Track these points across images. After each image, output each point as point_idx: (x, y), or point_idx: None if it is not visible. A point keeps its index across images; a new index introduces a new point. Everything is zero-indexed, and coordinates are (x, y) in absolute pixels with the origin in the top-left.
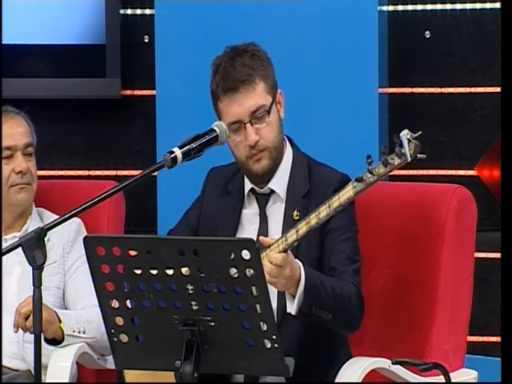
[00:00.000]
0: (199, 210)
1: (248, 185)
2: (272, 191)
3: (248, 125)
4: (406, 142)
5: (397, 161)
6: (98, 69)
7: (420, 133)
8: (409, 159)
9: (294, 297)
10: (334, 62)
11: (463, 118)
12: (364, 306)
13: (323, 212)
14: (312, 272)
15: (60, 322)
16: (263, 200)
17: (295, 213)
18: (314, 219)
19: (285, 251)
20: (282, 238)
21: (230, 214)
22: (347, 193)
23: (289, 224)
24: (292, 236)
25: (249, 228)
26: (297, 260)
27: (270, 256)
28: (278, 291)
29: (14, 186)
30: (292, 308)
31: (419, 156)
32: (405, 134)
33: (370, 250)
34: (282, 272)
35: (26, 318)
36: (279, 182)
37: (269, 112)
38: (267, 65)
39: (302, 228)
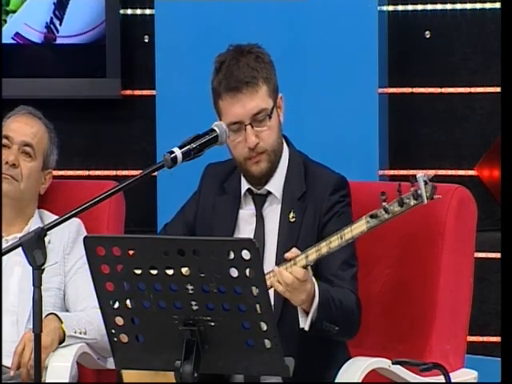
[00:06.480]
0: (196, 207)
1: (245, 185)
2: (269, 192)
3: (248, 127)
4: (422, 184)
5: (413, 201)
6: (97, 69)
7: (434, 173)
8: (425, 201)
9: (306, 312)
10: (334, 62)
11: (463, 117)
12: (361, 312)
13: (334, 242)
14: (322, 285)
15: (61, 322)
16: (260, 201)
17: (291, 214)
18: (324, 248)
19: (304, 267)
20: (292, 261)
21: (226, 214)
22: (360, 227)
23: (285, 226)
24: (301, 261)
25: (245, 229)
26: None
27: (293, 269)
28: (275, 291)
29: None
30: (305, 324)
31: (435, 197)
32: (422, 176)
33: (370, 250)
34: (304, 286)
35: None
36: (276, 184)
37: (270, 116)
38: (270, 68)
39: (312, 254)
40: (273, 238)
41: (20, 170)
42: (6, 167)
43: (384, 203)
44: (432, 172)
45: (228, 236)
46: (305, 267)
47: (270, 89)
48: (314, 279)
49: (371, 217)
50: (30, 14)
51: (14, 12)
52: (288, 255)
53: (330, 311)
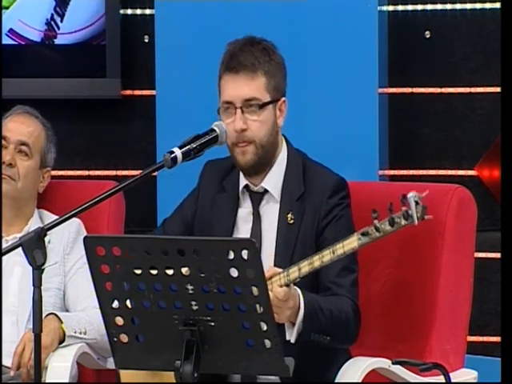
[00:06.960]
0: (195, 205)
1: (243, 182)
2: (266, 190)
3: (238, 110)
4: (413, 205)
5: (403, 221)
6: (97, 69)
7: (427, 192)
8: (416, 222)
9: (293, 324)
10: (334, 62)
11: (463, 118)
12: (361, 319)
13: (326, 256)
14: (310, 296)
15: (61, 322)
16: (257, 199)
17: (289, 216)
18: (317, 261)
19: (286, 285)
20: (284, 272)
21: (225, 213)
22: (352, 243)
23: (283, 227)
24: (294, 273)
25: (243, 228)
26: (295, 287)
27: (273, 289)
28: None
29: None
30: (292, 336)
31: (426, 218)
32: (413, 196)
33: (370, 250)
34: (286, 305)
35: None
36: (273, 182)
37: (261, 107)
38: (276, 66)
39: (305, 267)
40: (270, 237)
41: (17, 170)
42: (3, 167)
43: (375, 221)
44: (424, 193)
45: (227, 235)
46: (287, 285)
47: (271, 85)
48: (299, 291)
49: (363, 234)
50: (25, 11)
51: (6, 8)
52: (266, 275)
53: (318, 322)
